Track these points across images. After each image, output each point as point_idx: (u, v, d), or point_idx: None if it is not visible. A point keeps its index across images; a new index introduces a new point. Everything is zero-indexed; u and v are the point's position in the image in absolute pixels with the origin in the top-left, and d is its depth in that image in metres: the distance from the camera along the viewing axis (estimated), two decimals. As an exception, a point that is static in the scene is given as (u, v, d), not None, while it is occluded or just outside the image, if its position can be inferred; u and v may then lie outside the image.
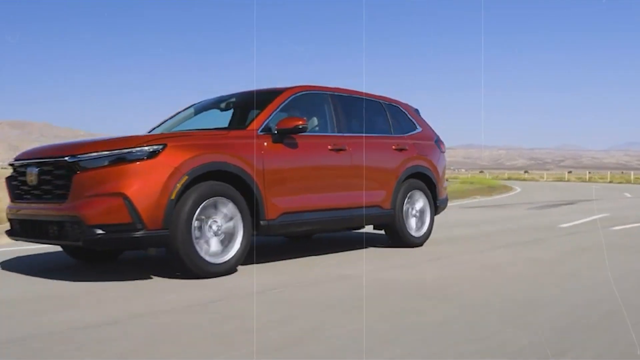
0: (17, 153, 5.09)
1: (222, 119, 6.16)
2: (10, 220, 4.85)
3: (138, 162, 4.21)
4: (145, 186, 4.18)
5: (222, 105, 6.06)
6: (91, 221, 4.10)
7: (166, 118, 6.27)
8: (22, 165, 4.66)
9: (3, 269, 5.01)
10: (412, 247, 6.41)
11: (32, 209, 4.53)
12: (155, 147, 4.29)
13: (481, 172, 52.07)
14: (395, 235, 6.35)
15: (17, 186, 4.72)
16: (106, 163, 4.19)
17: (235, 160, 4.68)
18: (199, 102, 6.34)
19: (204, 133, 4.97)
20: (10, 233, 4.86)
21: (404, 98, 6.27)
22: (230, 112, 6.07)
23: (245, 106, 5.95)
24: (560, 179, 65.82)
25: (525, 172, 50.14)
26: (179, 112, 6.29)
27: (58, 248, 5.77)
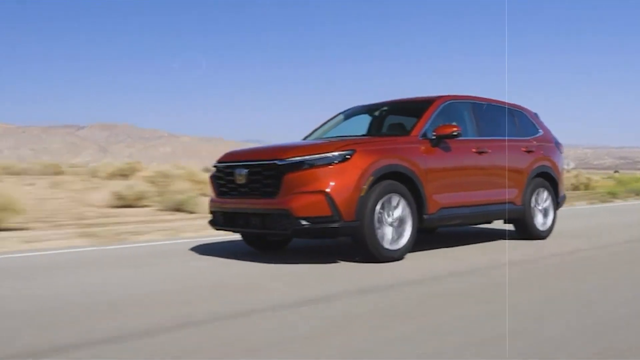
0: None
1: (365, 125, 6.98)
2: (213, 212, 5.80)
3: (335, 165, 5.07)
4: (341, 184, 5.02)
5: (376, 112, 6.87)
6: (299, 213, 4.98)
7: (320, 124, 7.14)
8: (228, 167, 5.59)
9: (206, 254, 5.98)
10: (538, 239, 7.05)
11: (239, 204, 5.44)
12: (347, 152, 5.14)
13: (615, 172, 48.91)
14: (524, 229, 7.01)
15: (223, 184, 5.65)
16: (309, 165, 5.06)
17: (405, 162, 5.48)
18: (347, 109, 7.18)
19: (379, 140, 5.78)
20: (214, 223, 5.81)
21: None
22: (380, 118, 6.87)
23: (398, 113, 6.75)
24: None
25: (615, 171, 47.43)
26: (331, 119, 7.16)
27: (236, 237, 6.73)
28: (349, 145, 5.26)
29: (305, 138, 6.96)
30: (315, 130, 7.07)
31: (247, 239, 6.26)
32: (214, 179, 5.80)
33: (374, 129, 6.74)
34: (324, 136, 6.83)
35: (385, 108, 6.86)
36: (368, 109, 7.02)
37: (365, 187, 5.11)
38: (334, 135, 6.66)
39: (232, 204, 5.54)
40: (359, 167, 5.11)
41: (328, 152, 5.13)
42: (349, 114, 7.14)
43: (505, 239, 7.06)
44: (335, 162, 5.09)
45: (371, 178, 5.15)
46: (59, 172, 24.17)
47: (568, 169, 38.08)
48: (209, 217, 5.95)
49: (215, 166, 5.83)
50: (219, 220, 5.74)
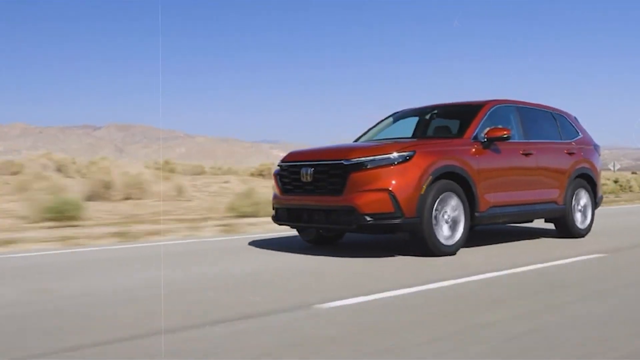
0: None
1: (414, 127, 7.36)
2: (276, 209, 6.19)
3: (398, 165, 5.44)
4: (403, 183, 5.40)
5: (425, 115, 7.25)
6: (364, 210, 5.35)
7: (370, 127, 7.53)
8: (294, 166, 5.97)
9: (273, 249, 6.39)
10: (577, 237, 7.36)
11: (304, 200, 5.82)
12: (408, 153, 5.51)
13: (634, 173, 48.43)
14: (564, 228, 7.34)
15: (288, 182, 6.04)
16: (374, 165, 5.44)
17: (459, 163, 5.84)
18: (397, 112, 7.57)
19: (435, 142, 6.14)
20: (277, 219, 6.21)
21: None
22: (429, 121, 7.24)
23: (447, 117, 7.13)
24: None
25: (633, 172, 46.89)
26: (381, 121, 7.55)
27: (292, 233, 7.13)
28: (410, 146, 5.64)
29: (357, 139, 7.34)
30: (367, 132, 7.46)
31: (303, 234, 6.66)
32: (279, 177, 6.19)
33: (424, 131, 7.11)
34: (375, 138, 7.21)
35: (435, 111, 7.23)
36: (418, 112, 7.39)
37: (424, 186, 5.47)
38: (386, 137, 7.04)
39: (297, 201, 5.92)
40: (419, 167, 5.48)
41: (391, 153, 5.50)
42: (398, 116, 7.51)
43: (540, 238, 7.39)
44: (398, 162, 5.46)
45: (430, 177, 5.52)
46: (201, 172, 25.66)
47: (614, 170, 37.96)
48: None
49: (279, 165, 6.22)
50: (282, 216, 6.13)
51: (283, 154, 6.62)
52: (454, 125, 6.75)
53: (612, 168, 39.43)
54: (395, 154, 5.50)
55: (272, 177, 6.40)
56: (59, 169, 17.90)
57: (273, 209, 6.31)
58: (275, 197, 6.27)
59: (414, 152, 5.55)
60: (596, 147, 8.07)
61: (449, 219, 5.75)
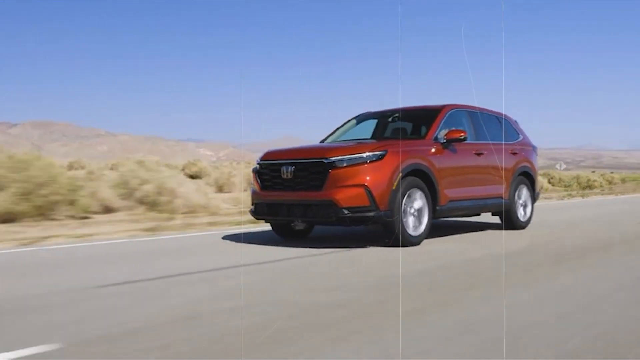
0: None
1: (377, 128, 7.97)
2: (256, 204, 6.61)
3: (372, 162, 6.00)
4: (378, 179, 5.96)
5: (388, 118, 7.87)
6: (342, 204, 5.88)
7: (336, 127, 8.07)
8: (274, 164, 6.41)
9: (256, 243, 6.79)
10: (519, 229, 8.20)
11: (284, 196, 6.27)
12: (381, 152, 6.08)
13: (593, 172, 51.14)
14: (509, 221, 8.15)
15: (267, 179, 6.47)
16: (351, 163, 5.97)
17: (424, 161, 6.48)
18: (360, 115, 8.16)
19: (403, 142, 6.73)
20: (257, 213, 6.62)
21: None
22: (391, 123, 7.86)
23: (408, 120, 7.77)
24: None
25: (593, 171, 49.88)
26: (345, 123, 8.11)
27: (266, 227, 7.55)
28: (382, 146, 6.20)
29: (323, 140, 7.87)
30: (333, 133, 8.00)
31: (276, 228, 7.11)
32: (258, 174, 6.61)
33: (382, 133, 7.77)
34: (341, 139, 7.77)
35: (396, 114, 7.86)
36: (379, 115, 8.00)
37: (396, 182, 6.07)
38: (351, 138, 7.61)
39: (277, 196, 6.36)
40: (391, 165, 6.07)
41: (365, 152, 6.05)
42: (361, 119, 8.10)
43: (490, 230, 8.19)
44: (371, 160, 6.02)
45: (400, 174, 6.11)
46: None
47: (560, 169, 40.65)
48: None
49: (259, 164, 6.64)
50: (262, 210, 6.56)
51: (210, 153, 7.04)
52: (413, 127, 7.39)
53: (558, 168, 42.12)
54: (369, 153, 6.06)
55: (252, 174, 6.81)
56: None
57: (252, 204, 6.72)
58: (254, 192, 6.69)
59: (386, 151, 6.13)
60: (534, 148, 8.97)
61: (415, 212, 6.37)
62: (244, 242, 6.72)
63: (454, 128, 7.02)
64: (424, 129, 7.18)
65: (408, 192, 6.25)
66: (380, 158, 6.07)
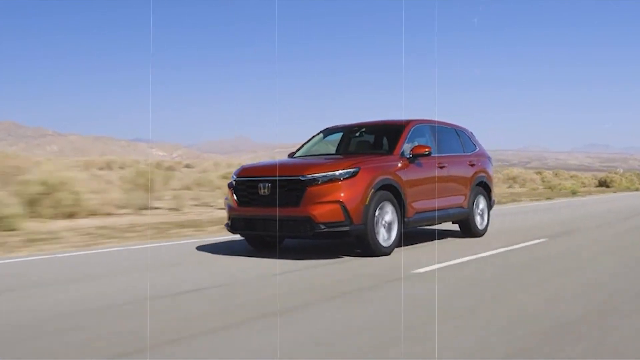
0: None
1: (344, 143, 8.35)
2: (232, 219, 6.86)
3: (346, 180, 6.36)
4: (352, 195, 6.33)
5: (354, 133, 8.27)
6: (319, 219, 6.22)
7: (303, 143, 8.42)
8: (251, 181, 6.68)
9: (230, 254, 7.05)
10: (478, 237, 8.73)
11: (261, 211, 6.54)
12: (354, 169, 6.45)
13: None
14: (467, 228, 8.69)
15: (244, 195, 6.73)
16: (326, 180, 6.32)
17: (393, 176, 6.89)
18: (327, 128, 8.54)
19: (373, 158, 7.07)
20: (233, 228, 6.87)
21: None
22: (356, 137, 8.27)
23: (374, 134, 8.19)
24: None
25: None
26: (312, 137, 8.47)
27: (238, 238, 7.82)
28: (355, 164, 6.57)
29: (292, 155, 8.20)
30: (302, 147, 8.34)
31: (250, 240, 7.38)
32: (235, 190, 6.87)
33: (346, 147, 8.23)
34: (310, 153, 8.12)
35: (363, 129, 8.26)
36: (345, 129, 8.41)
37: (368, 197, 6.45)
38: (320, 153, 7.98)
39: (254, 212, 6.64)
40: (364, 181, 6.45)
41: (340, 170, 6.41)
42: (328, 132, 8.48)
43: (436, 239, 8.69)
44: (345, 177, 6.39)
45: (372, 190, 6.50)
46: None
47: (621, 173, 42.42)
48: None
49: (235, 180, 6.89)
50: (239, 225, 6.82)
51: (163, 153, 7.25)
52: (377, 141, 7.81)
53: (620, 170, 43.38)
54: (344, 171, 6.42)
55: (227, 189, 7.06)
56: None
57: (229, 219, 6.97)
58: (230, 208, 6.94)
59: (359, 168, 6.50)
60: (489, 159, 9.53)
61: (385, 224, 6.76)
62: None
63: (417, 143, 7.47)
64: (388, 143, 7.62)
65: (379, 206, 6.63)
66: (353, 175, 6.43)
